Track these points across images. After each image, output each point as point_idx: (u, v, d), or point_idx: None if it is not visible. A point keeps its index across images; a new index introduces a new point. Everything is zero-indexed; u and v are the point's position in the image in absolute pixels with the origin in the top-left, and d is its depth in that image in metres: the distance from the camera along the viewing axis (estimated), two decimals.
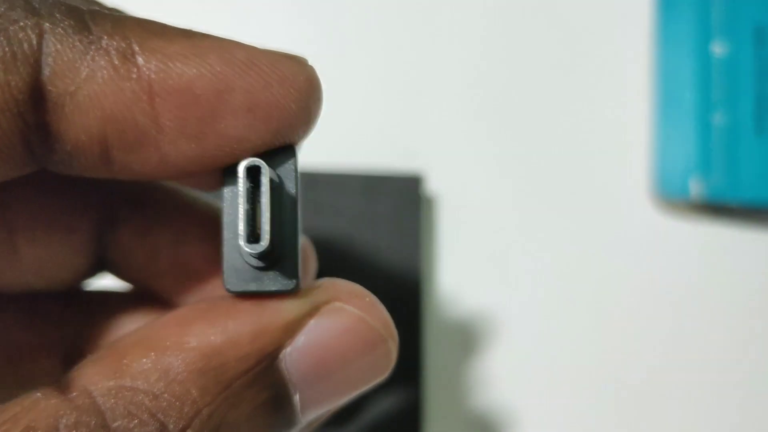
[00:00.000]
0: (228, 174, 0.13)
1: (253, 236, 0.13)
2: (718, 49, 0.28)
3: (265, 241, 0.12)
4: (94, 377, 0.12)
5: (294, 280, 0.13)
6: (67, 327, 0.18)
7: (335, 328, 0.14)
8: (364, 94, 0.28)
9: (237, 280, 0.13)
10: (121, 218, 0.18)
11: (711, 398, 0.27)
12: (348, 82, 0.28)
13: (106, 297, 0.19)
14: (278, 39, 0.29)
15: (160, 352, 0.12)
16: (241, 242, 0.12)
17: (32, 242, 0.17)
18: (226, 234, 0.13)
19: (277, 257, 0.13)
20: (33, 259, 0.17)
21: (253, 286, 0.13)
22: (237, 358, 0.13)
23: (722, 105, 0.27)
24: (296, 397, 0.14)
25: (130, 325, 0.18)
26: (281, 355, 0.13)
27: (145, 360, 0.12)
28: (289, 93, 0.13)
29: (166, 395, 0.12)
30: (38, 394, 0.12)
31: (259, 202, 0.13)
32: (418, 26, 0.29)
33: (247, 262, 0.13)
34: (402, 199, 0.26)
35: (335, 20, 0.29)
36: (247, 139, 0.13)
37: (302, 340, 0.13)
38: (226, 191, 0.13)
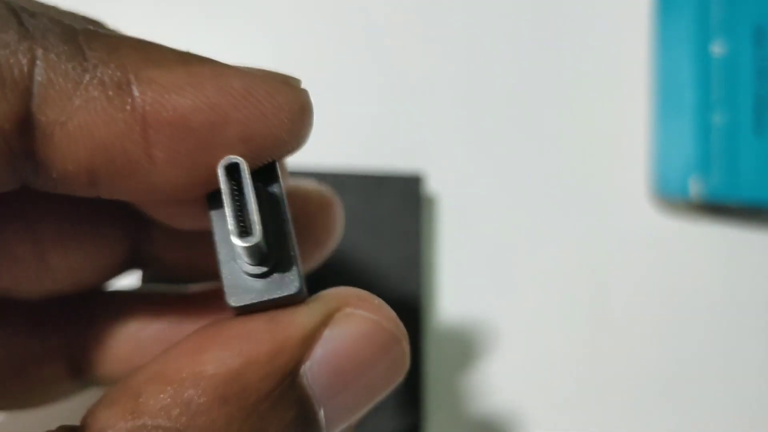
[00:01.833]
0: (213, 197, 0.13)
1: (244, 231, 0.12)
2: (718, 49, 0.28)
3: (256, 232, 0.12)
4: (110, 420, 0.12)
5: (297, 283, 0.13)
6: (71, 331, 0.18)
7: (351, 335, 0.13)
8: (364, 94, 0.28)
9: (240, 294, 0.13)
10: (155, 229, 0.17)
11: (711, 398, 0.27)
12: (348, 82, 0.28)
13: (107, 297, 0.19)
14: (278, 39, 0.29)
15: (178, 385, 0.12)
16: (233, 238, 0.12)
17: (63, 251, 0.16)
18: (221, 253, 0.13)
19: (276, 263, 0.13)
20: (64, 267, 0.17)
21: (257, 297, 0.13)
22: (258, 380, 0.12)
23: (721, 105, 0.27)
24: (321, 412, 0.13)
25: (133, 326, 0.18)
26: (301, 371, 0.13)
27: (162, 395, 0.12)
28: (283, 123, 0.13)
29: (191, 429, 0.12)
30: None
31: (244, 199, 0.12)
32: (418, 26, 0.29)
33: (246, 273, 0.13)
34: (402, 199, 0.26)
35: (335, 20, 0.29)
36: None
37: (320, 352, 0.13)
38: (213, 213, 0.13)
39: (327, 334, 0.13)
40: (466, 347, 0.27)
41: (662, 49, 0.29)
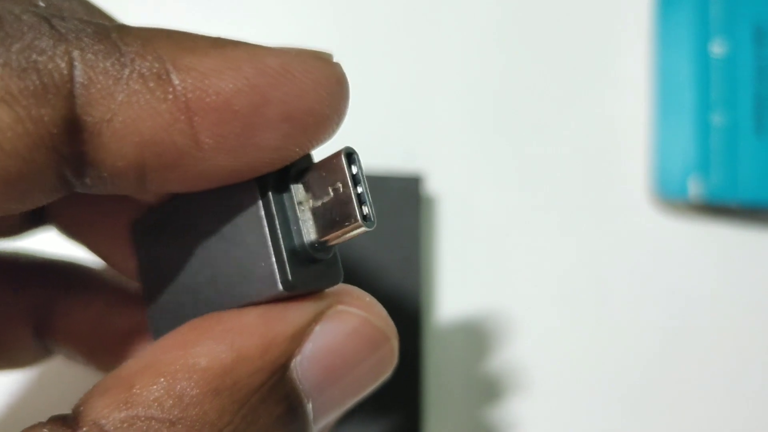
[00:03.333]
0: (268, 181, 0.13)
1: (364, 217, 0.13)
2: (718, 48, 0.28)
3: (374, 218, 0.13)
4: (103, 410, 0.12)
5: (342, 272, 0.14)
6: (39, 296, 0.18)
7: (341, 332, 0.14)
8: (363, 94, 0.28)
9: (299, 278, 0.13)
10: (60, 306, 0.18)
11: (711, 398, 0.27)
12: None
13: (77, 269, 0.19)
14: (278, 39, 0.29)
15: (171, 377, 0.12)
16: (362, 223, 0.13)
17: None
18: (281, 236, 0.13)
19: (333, 251, 0.14)
20: None
21: (313, 283, 0.14)
22: (249, 374, 0.13)
23: (721, 105, 0.27)
24: (309, 406, 0.14)
25: (97, 308, 0.18)
26: (292, 365, 0.13)
27: (155, 387, 0.12)
28: (323, 98, 0.13)
29: (183, 421, 0.12)
30: (45, 430, 0.12)
31: (357, 184, 0.13)
32: (418, 25, 0.29)
33: (312, 258, 0.13)
34: (402, 199, 0.26)
35: (334, 20, 0.29)
36: (285, 148, 0.13)
37: (310, 347, 0.13)
38: (272, 196, 0.13)
39: (318, 330, 0.13)
40: (466, 347, 0.27)
41: (662, 49, 0.29)
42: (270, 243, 0.13)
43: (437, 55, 0.29)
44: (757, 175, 0.27)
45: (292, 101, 0.13)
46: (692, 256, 0.28)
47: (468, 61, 0.29)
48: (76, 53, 0.12)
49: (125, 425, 0.12)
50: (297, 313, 0.13)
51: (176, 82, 0.12)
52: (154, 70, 0.12)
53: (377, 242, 0.26)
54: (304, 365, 0.13)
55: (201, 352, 0.13)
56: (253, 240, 0.14)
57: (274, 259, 0.13)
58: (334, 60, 0.13)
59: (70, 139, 0.12)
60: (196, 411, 0.12)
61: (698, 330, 0.28)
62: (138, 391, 0.12)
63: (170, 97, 0.12)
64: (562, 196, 0.28)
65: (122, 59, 0.12)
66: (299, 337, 0.13)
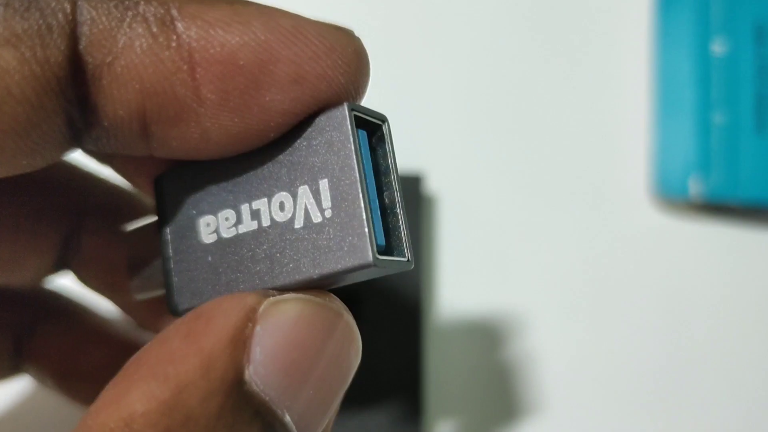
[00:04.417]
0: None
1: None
2: (718, 47, 0.28)
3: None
4: None
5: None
6: (24, 314, 0.18)
7: (287, 323, 0.12)
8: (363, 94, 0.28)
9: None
10: (88, 228, 0.17)
11: (710, 397, 0.27)
12: None
13: (62, 299, 0.19)
14: None
15: None
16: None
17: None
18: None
19: None
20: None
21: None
22: (200, 401, 0.11)
23: (722, 104, 0.27)
24: (287, 418, 0.12)
25: (79, 330, 0.18)
26: (246, 377, 0.11)
27: None
28: (338, 65, 0.12)
29: None
30: None
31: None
32: (417, 25, 0.29)
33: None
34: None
35: (333, 19, 0.29)
36: (292, 112, 0.12)
37: (259, 351, 0.11)
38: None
39: (259, 330, 0.12)
40: (466, 346, 0.27)
41: (662, 49, 0.29)
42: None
43: (437, 55, 0.29)
44: (758, 174, 0.27)
45: (304, 63, 0.12)
46: (692, 255, 0.28)
47: (468, 62, 0.29)
48: None
49: None
50: (220, 318, 0.12)
51: (180, 29, 0.11)
52: (159, 15, 0.11)
53: None
54: (260, 372, 0.11)
55: (134, 398, 0.11)
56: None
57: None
58: (356, 35, 0.13)
59: (74, 82, 0.11)
60: None
61: (698, 329, 0.28)
62: None
63: (173, 44, 0.11)
64: (562, 196, 0.28)
65: (126, 1, 0.11)
66: (238, 343, 0.11)
